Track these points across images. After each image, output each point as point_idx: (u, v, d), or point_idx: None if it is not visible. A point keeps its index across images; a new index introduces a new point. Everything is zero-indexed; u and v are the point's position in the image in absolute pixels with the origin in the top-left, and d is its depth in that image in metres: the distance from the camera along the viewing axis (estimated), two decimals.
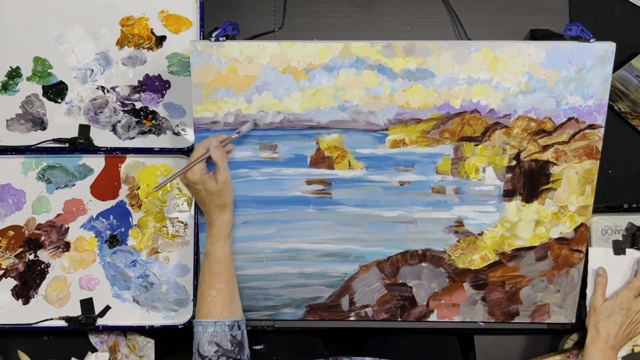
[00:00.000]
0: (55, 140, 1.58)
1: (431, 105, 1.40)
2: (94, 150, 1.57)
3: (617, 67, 1.52)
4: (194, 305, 1.56)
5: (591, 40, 1.36)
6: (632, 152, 1.62)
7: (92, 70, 1.58)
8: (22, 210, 1.59)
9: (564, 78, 1.38)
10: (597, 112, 1.40)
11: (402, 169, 1.44)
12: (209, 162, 1.35)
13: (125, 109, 1.58)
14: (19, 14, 1.57)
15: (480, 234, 1.48)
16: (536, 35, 1.54)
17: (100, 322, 1.59)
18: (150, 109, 1.58)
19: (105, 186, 1.59)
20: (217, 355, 1.31)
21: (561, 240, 1.48)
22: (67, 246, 1.59)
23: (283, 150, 1.44)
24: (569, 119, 1.40)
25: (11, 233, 1.59)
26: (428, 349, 1.67)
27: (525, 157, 1.43)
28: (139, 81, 1.58)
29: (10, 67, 1.58)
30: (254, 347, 1.65)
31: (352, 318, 1.54)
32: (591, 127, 1.41)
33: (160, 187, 1.36)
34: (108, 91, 1.58)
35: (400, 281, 1.51)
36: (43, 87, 1.58)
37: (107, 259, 1.59)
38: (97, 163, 1.59)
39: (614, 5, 1.60)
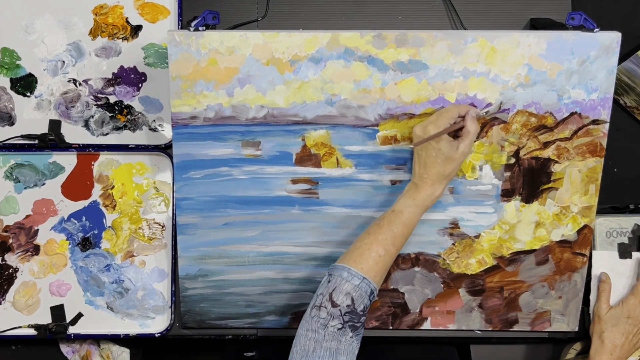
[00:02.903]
0: (23, 137, 1.56)
1: (424, 99, 1.39)
2: (65, 147, 1.56)
3: (622, 58, 1.51)
4: (172, 313, 1.56)
5: (595, 30, 1.35)
6: (639, 149, 1.60)
7: (63, 61, 1.56)
8: None
9: (566, 70, 1.37)
10: (601, 106, 1.39)
11: (394, 167, 1.43)
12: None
13: (99, 103, 1.56)
14: None
15: (477, 237, 1.47)
16: (536, 24, 1.52)
17: (71, 330, 1.58)
18: (125, 103, 1.57)
19: (77, 185, 1.57)
20: (346, 311, 1.24)
21: (563, 243, 1.47)
22: (36, 249, 1.57)
23: (267, 147, 1.43)
24: (572, 114, 1.39)
25: None
26: None
27: (524, 155, 1.42)
28: (113, 73, 1.56)
29: None
30: (245, 353, 1.64)
31: None
32: (595, 122, 1.40)
33: (421, 143, 1.30)
34: (80, 84, 1.56)
35: (392, 287, 1.50)
36: (11, 79, 1.56)
37: (79, 263, 1.57)
38: (68, 161, 1.57)
39: None
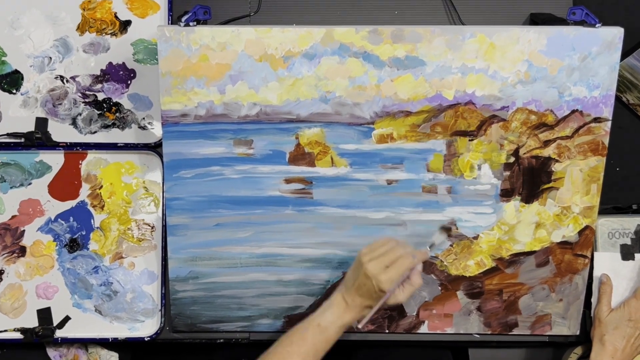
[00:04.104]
0: (9, 135, 1.55)
1: (421, 97, 1.38)
2: (52, 145, 1.55)
3: (625, 54, 1.51)
4: (162, 316, 1.55)
5: (597, 25, 1.35)
6: None
7: (50, 58, 1.55)
8: None
9: (567, 66, 1.36)
10: (603, 103, 1.38)
11: (390, 166, 1.42)
12: None
13: (87, 100, 1.55)
14: None
15: (476, 238, 1.46)
16: (537, 19, 1.52)
17: (59, 334, 1.57)
18: (114, 101, 1.56)
19: (64, 185, 1.56)
20: None
21: (564, 244, 1.46)
22: (22, 251, 1.56)
23: (259, 145, 1.42)
24: (573, 112, 1.38)
25: None
26: None
27: (524, 154, 1.41)
28: (101, 70, 1.55)
29: None
30: None
31: None
32: (597, 120, 1.39)
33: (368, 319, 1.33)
34: (67, 81, 1.55)
35: None
36: None
37: (66, 264, 1.56)
38: (55, 160, 1.56)
39: None
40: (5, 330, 1.56)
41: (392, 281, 1.27)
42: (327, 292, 1.49)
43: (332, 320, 1.31)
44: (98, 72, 1.55)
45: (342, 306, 1.32)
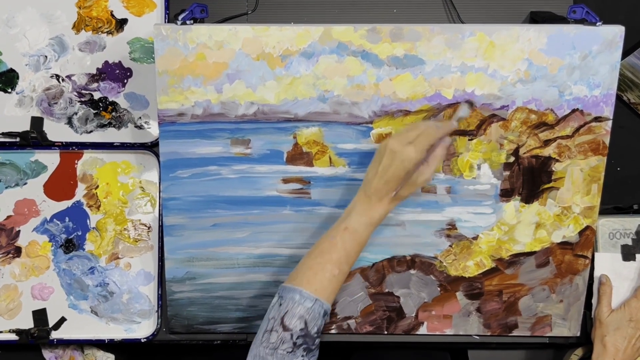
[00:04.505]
0: (4, 134, 1.55)
1: (420, 96, 1.38)
2: (47, 145, 1.54)
3: (626, 53, 1.50)
4: (158, 317, 1.54)
5: (598, 23, 1.34)
6: None
7: (46, 56, 1.54)
8: None
9: (568, 65, 1.35)
10: (604, 103, 1.37)
11: None
12: None
13: (83, 99, 1.55)
14: None
15: (475, 238, 1.46)
16: (537, 18, 1.51)
17: (54, 335, 1.56)
18: (110, 100, 1.55)
19: (60, 185, 1.56)
20: (299, 335, 1.21)
21: (564, 244, 1.46)
22: (18, 251, 1.56)
23: (257, 145, 1.41)
24: (573, 111, 1.38)
25: None
26: None
27: (524, 153, 1.41)
28: (97, 69, 1.55)
29: None
30: None
31: (333, 331, 1.51)
32: (597, 119, 1.38)
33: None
34: (63, 80, 1.55)
35: (387, 290, 1.49)
36: None
37: (62, 265, 1.56)
38: (51, 159, 1.56)
39: None
40: (1, 332, 1.55)
41: (419, 151, 1.23)
42: None
43: (359, 220, 1.28)
44: (94, 71, 1.54)
45: (365, 203, 1.28)
